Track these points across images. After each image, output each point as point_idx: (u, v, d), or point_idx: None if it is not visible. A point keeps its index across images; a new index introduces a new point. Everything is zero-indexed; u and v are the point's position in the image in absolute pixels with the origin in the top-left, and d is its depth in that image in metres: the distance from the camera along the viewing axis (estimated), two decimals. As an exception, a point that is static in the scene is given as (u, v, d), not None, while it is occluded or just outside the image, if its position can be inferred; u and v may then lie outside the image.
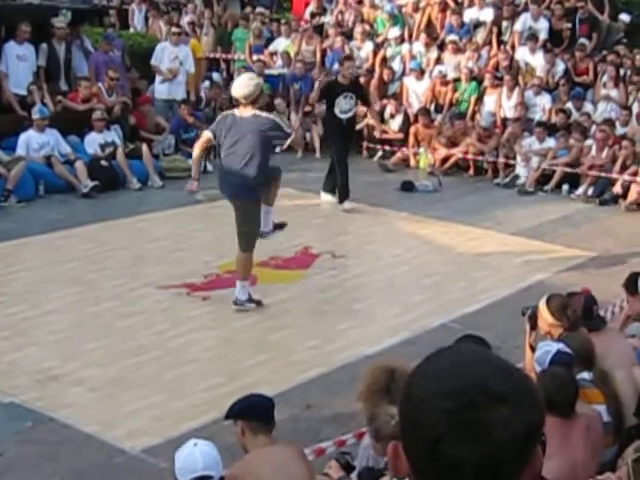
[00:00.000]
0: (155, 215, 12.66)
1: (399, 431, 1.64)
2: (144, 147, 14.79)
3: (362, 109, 16.97)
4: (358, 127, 16.96)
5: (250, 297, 9.56)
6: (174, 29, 17.29)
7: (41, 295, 9.78)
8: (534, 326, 6.65)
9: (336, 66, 17.65)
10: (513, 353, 7.60)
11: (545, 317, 6.43)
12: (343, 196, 13.33)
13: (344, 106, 13.13)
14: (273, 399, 5.30)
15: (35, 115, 14.01)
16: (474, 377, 1.59)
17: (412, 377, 1.64)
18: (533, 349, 6.19)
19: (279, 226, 10.16)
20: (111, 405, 7.51)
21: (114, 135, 14.81)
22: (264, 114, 9.44)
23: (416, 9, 18.37)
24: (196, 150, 9.76)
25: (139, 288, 10.03)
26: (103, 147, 14.48)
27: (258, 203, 9.53)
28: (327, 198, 13.70)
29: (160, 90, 16.62)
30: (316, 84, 16.13)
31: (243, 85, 9.37)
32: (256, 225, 9.57)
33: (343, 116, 13.18)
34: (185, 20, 19.87)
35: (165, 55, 16.58)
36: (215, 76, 18.69)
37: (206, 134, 9.55)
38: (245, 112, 9.24)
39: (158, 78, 16.64)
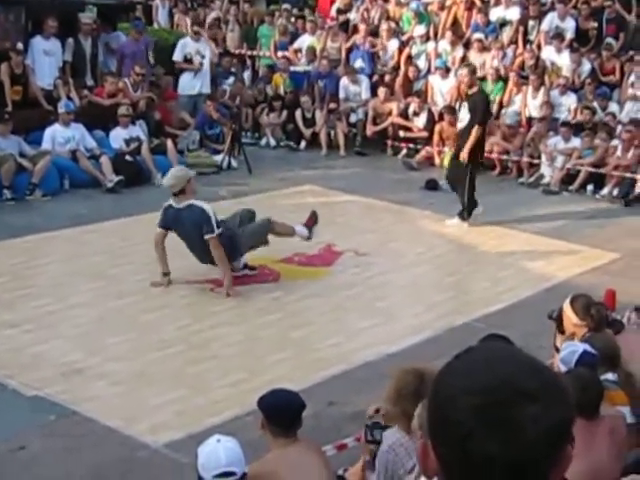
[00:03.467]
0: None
1: (428, 429, 1.64)
2: (169, 142, 14.83)
3: (387, 107, 17.00)
4: (382, 125, 17.00)
5: None
6: (195, 28, 17.42)
7: (65, 289, 9.83)
8: (561, 329, 6.63)
9: (358, 63, 17.69)
10: (536, 353, 7.45)
11: (569, 316, 6.42)
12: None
13: (461, 115, 12.85)
14: (303, 401, 5.18)
15: (61, 109, 14.09)
16: (503, 374, 1.59)
17: (441, 375, 1.64)
18: (559, 351, 6.17)
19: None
20: (134, 399, 7.54)
21: (139, 130, 14.85)
22: (198, 204, 9.63)
23: (442, 7, 18.32)
24: (156, 249, 9.91)
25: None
26: (128, 142, 14.53)
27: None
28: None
29: (185, 85, 16.67)
30: None
31: (169, 177, 9.88)
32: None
33: (459, 124, 12.94)
34: (211, 16, 19.91)
35: (187, 51, 16.66)
36: (246, 75, 18.71)
37: (157, 231, 9.86)
38: (180, 202, 9.66)
39: (184, 73, 16.70)
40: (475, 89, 12.75)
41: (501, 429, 1.54)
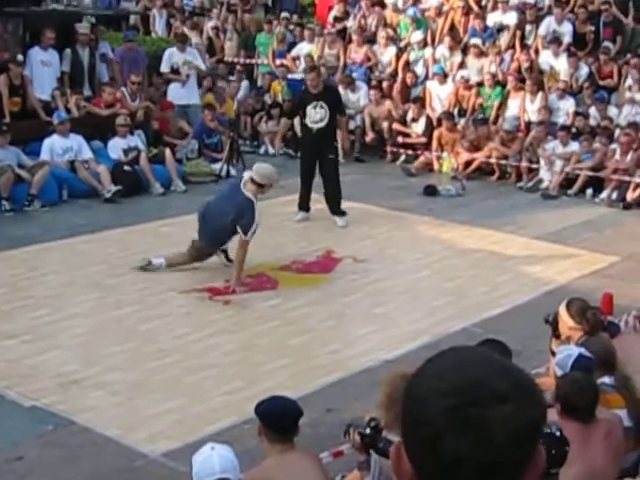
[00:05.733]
0: (178, 220, 12.64)
1: (401, 432, 1.64)
2: (167, 152, 14.82)
3: (382, 109, 17.01)
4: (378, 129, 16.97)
5: None
6: (179, 38, 17.38)
7: (64, 299, 9.83)
8: (557, 333, 6.63)
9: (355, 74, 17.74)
10: (535, 358, 7.59)
11: (565, 320, 6.42)
12: (300, 204, 13.06)
13: (314, 116, 12.74)
14: (301, 408, 5.22)
15: (54, 120, 14.10)
16: (474, 376, 1.59)
17: (414, 377, 1.65)
18: (555, 355, 6.16)
19: None
20: (132, 409, 7.54)
21: (137, 140, 14.85)
22: (255, 205, 10.07)
23: (439, 13, 18.32)
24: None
25: (161, 292, 10.05)
26: (126, 152, 14.52)
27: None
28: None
29: (173, 95, 16.66)
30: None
31: (262, 169, 10.50)
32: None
33: (313, 126, 12.77)
34: (209, 25, 19.94)
35: (174, 61, 16.68)
36: (244, 84, 18.66)
37: None
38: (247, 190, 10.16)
39: (172, 84, 16.69)
40: (321, 86, 12.96)
41: (471, 430, 1.54)
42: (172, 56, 16.76)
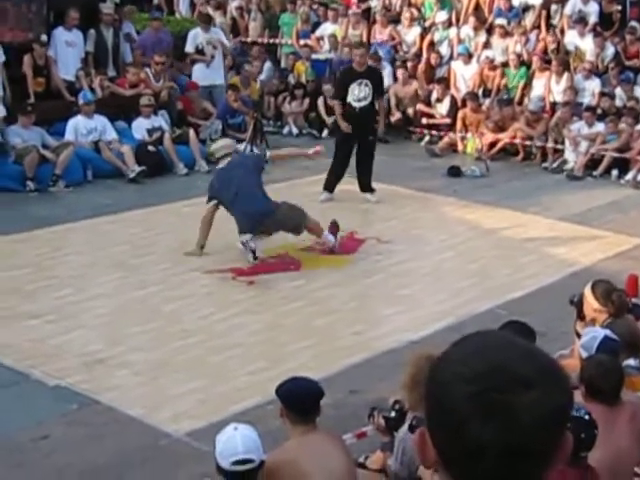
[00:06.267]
0: (201, 200, 12.59)
1: (425, 416, 1.62)
2: (191, 132, 14.82)
3: (408, 90, 16.95)
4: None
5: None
6: (202, 18, 17.32)
7: (88, 279, 9.86)
8: (582, 315, 6.60)
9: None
10: (559, 339, 7.56)
11: (590, 302, 6.39)
12: (326, 185, 13.00)
13: (358, 94, 12.70)
14: (322, 388, 5.21)
15: (80, 101, 14.12)
16: (499, 361, 1.57)
17: (438, 362, 1.63)
18: (580, 336, 6.14)
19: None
20: (156, 388, 7.57)
21: (161, 120, 14.85)
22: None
23: (464, -8, 18.21)
24: (203, 222, 10.65)
25: (185, 272, 10.06)
26: (150, 132, 14.53)
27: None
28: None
29: (198, 76, 16.62)
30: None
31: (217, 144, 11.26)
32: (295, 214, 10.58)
33: (357, 104, 12.72)
34: (233, 5, 19.89)
35: (198, 42, 16.63)
36: (268, 65, 18.60)
37: (207, 206, 10.67)
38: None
39: (197, 64, 16.65)
40: (366, 65, 13.03)
41: (496, 416, 1.52)
42: (196, 37, 16.71)
